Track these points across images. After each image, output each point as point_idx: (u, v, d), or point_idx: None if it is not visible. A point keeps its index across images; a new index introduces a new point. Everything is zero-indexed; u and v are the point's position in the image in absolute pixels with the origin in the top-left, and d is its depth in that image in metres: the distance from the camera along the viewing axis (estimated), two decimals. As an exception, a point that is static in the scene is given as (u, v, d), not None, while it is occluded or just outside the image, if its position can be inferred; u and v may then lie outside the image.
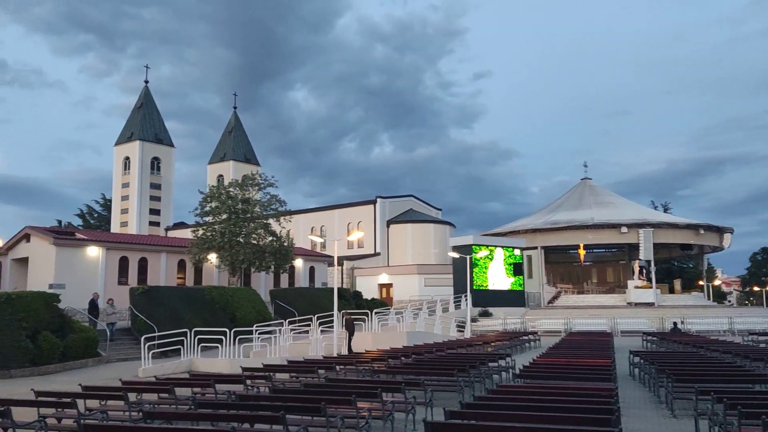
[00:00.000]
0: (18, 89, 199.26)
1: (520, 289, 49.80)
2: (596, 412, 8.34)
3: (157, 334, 23.30)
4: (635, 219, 54.59)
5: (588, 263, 67.16)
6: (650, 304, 48.41)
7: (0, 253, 42.39)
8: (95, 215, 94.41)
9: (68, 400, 10.54)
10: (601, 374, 13.73)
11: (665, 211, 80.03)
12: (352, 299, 42.54)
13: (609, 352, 19.99)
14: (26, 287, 35.07)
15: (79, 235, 40.50)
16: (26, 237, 39.12)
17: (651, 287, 50.72)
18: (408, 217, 69.72)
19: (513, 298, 48.01)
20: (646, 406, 13.60)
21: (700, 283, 65.41)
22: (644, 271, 53.17)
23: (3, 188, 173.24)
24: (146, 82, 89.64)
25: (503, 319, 40.59)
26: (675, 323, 34.75)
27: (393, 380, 13.73)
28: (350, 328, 26.33)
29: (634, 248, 56.32)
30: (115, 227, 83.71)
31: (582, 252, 59.19)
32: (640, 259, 52.88)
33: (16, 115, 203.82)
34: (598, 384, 12.31)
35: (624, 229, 52.89)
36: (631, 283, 52.17)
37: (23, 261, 39.56)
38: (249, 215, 40.34)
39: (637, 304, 48.97)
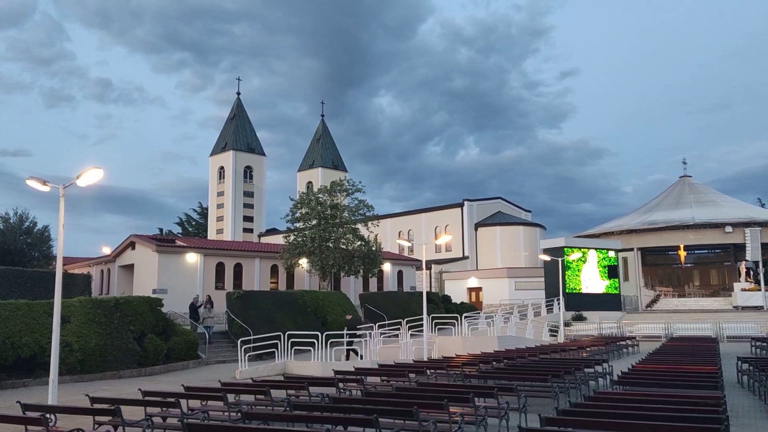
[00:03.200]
0: (122, 106, 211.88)
1: (616, 292, 48.06)
2: (703, 422, 7.90)
3: (252, 337, 24.04)
4: (740, 218, 51.55)
5: (689, 265, 63.91)
6: (759, 308, 45.51)
7: (108, 261, 45.15)
8: (193, 223, 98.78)
9: (172, 400, 11.03)
10: (707, 381, 13.01)
11: (774, 208, 75.20)
12: (441, 303, 42.37)
13: (715, 359, 18.92)
14: (132, 292, 37.12)
15: (179, 243, 42.51)
16: (131, 245, 41.42)
17: (759, 290, 47.64)
18: (496, 220, 68.79)
19: (608, 302, 46.38)
20: (757, 416, 12.77)
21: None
22: (751, 272, 50.07)
23: (111, 199, 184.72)
24: (238, 94, 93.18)
25: (598, 324, 39.27)
26: (788, 328, 32.51)
27: (485, 385, 13.53)
28: (351, 329, 25.07)
29: (740, 249, 53.11)
30: (211, 234, 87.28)
31: (682, 253, 56.50)
32: (746, 260, 49.84)
33: (120, 130, 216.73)
34: (704, 392, 11.67)
35: (728, 229, 50.09)
36: (737, 286, 49.21)
37: (129, 267, 41.91)
38: (338, 220, 41.01)
39: (744, 308, 46.15)
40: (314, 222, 40.95)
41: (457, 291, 56.60)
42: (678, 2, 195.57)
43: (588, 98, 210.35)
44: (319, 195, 42.50)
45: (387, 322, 30.92)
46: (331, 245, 39.92)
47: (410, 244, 64.47)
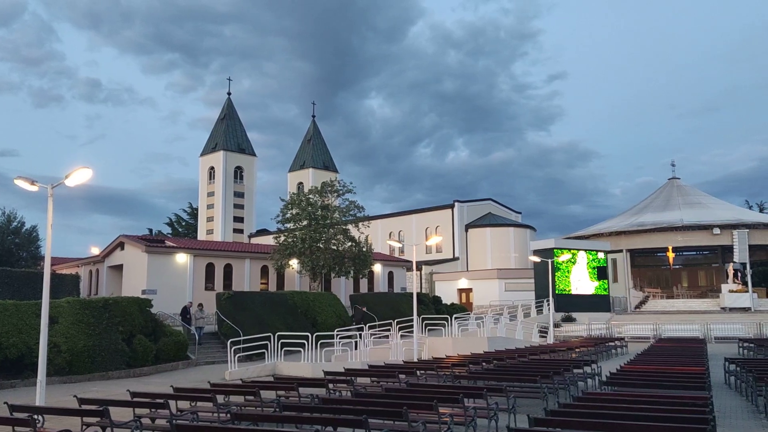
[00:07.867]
0: (111, 107, 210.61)
1: (605, 293, 48.30)
2: (690, 422, 7.97)
3: (242, 338, 23.98)
4: (728, 219, 51.90)
5: (678, 266, 64.31)
6: (746, 309, 45.84)
7: (97, 261, 44.89)
8: (183, 223, 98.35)
9: (161, 401, 10.99)
10: (695, 382, 13.11)
11: (761, 210, 76.00)
12: (431, 304, 42.40)
13: (702, 360, 19.06)
14: (121, 293, 36.91)
15: (168, 243, 42.31)
16: (121, 245, 41.18)
17: (747, 291, 48.00)
18: (487, 221, 68.92)
19: (597, 303, 46.61)
20: (743, 416, 12.88)
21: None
22: (739, 274, 50.38)
23: (100, 199, 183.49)
24: (229, 94, 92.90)
25: (587, 325, 39.44)
26: (775, 329, 32.76)
27: (474, 386, 13.57)
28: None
29: (727, 250, 53.53)
30: (201, 235, 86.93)
31: (671, 255, 56.80)
32: (734, 262, 50.20)
33: (110, 131, 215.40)
34: (692, 392, 11.76)
35: (716, 231, 50.42)
36: (725, 287, 49.53)
37: (118, 268, 41.66)
38: (328, 221, 40.95)
39: (731, 309, 46.46)
40: (305, 223, 40.88)
41: (447, 292, 56.67)
42: (666, 5, 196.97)
43: (576, 101, 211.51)
44: (310, 196, 42.41)
45: (377, 323, 30.94)
46: (321, 246, 39.86)
47: (401, 245, 64.50)
